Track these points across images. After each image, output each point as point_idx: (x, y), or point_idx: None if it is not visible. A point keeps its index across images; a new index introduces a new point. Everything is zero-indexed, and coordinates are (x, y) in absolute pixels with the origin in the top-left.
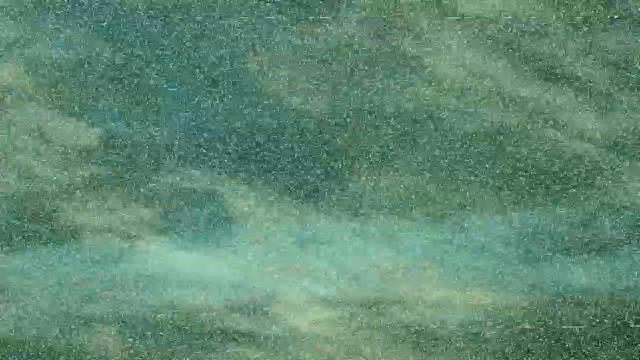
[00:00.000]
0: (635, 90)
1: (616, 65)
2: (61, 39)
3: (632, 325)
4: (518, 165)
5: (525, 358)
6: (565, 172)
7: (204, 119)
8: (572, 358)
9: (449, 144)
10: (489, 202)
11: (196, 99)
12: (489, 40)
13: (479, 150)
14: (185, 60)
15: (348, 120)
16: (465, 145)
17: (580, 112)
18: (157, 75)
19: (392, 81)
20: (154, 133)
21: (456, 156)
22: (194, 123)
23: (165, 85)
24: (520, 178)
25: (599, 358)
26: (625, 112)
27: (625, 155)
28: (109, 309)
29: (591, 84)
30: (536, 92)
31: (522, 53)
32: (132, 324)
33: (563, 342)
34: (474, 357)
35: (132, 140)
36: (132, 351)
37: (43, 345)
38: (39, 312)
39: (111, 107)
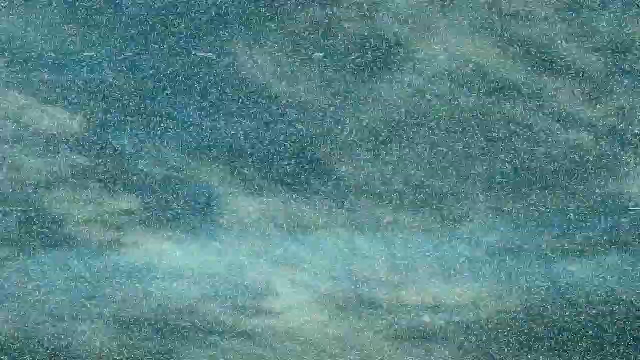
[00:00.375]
0: (629, 75)
1: (608, 49)
2: (48, 31)
3: (631, 325)
4: (511, 154)
5: (522, 357)
6: (557, 160)
7: (190, 111)
8: (571, 357)
9: (439, 132)
10: (480, 190)
11: (184, 92)
12: (479, 25)
13: (470, 137)
14: (175, 55)
15: (337, 108)
16: (455, 133)
17: (571, 97)
18: (147, 70)
19: (381, 68)
20: (143, 126)
21: (447, 145)
22: (181, 115)
23: (155, 81)
24: (513, 167)
25: (598, 357)
26: (618, 97)
27: (619, 141)
28: (98, 303)
29: (583, 69)
30: (527, 77)
31: (512, 38)
32: (118, 320)
33: (561, 340)
34: (470, 354)
35: (121, 132)
36: (120, 347)
37: (26, 341)
38: (23, 307)
39: (101, 100)
